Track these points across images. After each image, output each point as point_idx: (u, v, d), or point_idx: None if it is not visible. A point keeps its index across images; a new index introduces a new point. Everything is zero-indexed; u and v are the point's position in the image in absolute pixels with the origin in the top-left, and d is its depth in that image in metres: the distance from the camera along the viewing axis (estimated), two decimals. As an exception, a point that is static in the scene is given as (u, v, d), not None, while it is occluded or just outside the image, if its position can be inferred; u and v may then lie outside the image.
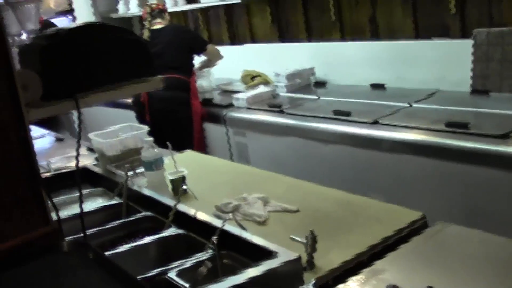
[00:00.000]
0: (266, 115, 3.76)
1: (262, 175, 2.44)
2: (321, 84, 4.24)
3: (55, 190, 2.58)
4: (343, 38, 4.21)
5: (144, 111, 4.26)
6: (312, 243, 1.60)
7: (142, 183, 2.38)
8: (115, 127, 2.76)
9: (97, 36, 1.55)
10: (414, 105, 3.33)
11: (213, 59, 4.50)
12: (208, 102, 4.34)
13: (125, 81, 1.58)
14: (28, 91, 1.41)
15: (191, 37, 4.40)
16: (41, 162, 3.35)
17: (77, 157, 1.49)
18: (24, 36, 2.01)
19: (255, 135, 3.82)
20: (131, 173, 2.39)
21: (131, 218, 2.12)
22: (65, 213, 2.31)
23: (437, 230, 1.72)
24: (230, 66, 5.03)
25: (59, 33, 1.52)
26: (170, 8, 5.35)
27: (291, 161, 3.58)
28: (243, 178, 2.42)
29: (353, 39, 4.13)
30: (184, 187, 2.01)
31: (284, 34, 4.69)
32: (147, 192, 2.23)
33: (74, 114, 6.14)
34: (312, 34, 4.45)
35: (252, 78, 4.55)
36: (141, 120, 4.33)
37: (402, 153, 2.92)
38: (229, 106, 4.13)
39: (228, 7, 5.06)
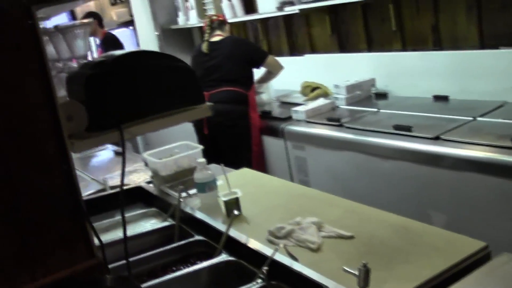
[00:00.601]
0: (325, 129, 3.68)
1: (318, 197, 2.37)
2: (382, 95, 4.14)
3: (109, 209, 2.60)
4: (404, 48, 4.09)
5: (202, 125, 4.26)
6: (365, 276, 1.53)
7: (195, 205, 2.36)
8: (170, 146, 2.75)
9: (143, 64, 1.53)
10: (479, 118, 3.19)
11: (274, 70, 4.47)
12: (267, 114, 4.30)
13: (172, 110, 1.55)
14: (73, 121, 1.40)
15: (250, 49, 4.38)
16: (99, 177, 3.39)
17: (121, 192, 1.46)
18: (74, 63, 2.02)
19: (314, 149, 3.75)
20: (184, 194, 2.37)
21: (182, 242, 2.10)
22: (118, 233, 2.32)
23: (502, 262, 1.61)
24: (290, 77, 4.99)
25: (105, 62, 1.51)
26: (229, 19, 5.35)
27: (350, 176, 3.50)
28: (298, 200, 2.36)
29: (415, 49, 4.01)
30: (235, 212, 1.97)
31: (344, 45, 4.61)
32: (199, 215, 2.20)
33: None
34: (372, 44, 4.35)
35: (311, 90, 4.49)
36: (200, 133, 4.34)
37: (465, 171, 2.79)
38: (288, 119, 4.08)
39: (287, 17, 5.01)
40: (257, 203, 2.38)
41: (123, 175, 1.43)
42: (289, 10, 4.56)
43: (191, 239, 2.10)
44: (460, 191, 2.84)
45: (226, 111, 4.17)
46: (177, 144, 2.75)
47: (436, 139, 3.02)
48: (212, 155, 4.42)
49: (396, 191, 3.21)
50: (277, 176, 4.16)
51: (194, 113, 1.58)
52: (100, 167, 3.95)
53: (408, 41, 4.06)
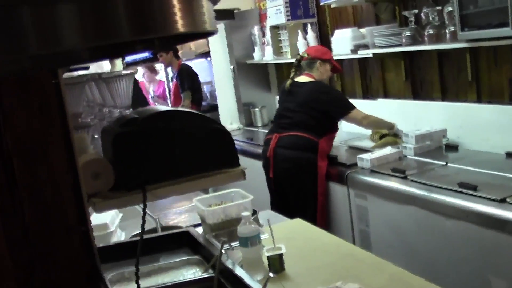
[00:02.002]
0: (389, 180, 3.57)
1: (365, 260, 2.28)
2: (453, 148, 3.98)
3: (155, 252, 2.58)
4: (479, 100, 3.93)
5: (269, 167, 4.21)
6: None
7: (238, 258, 2.31)
8: (222, 192, 2.72)
9: (175, 125, 1.50)
10: (552, 183, 3.00)
11: (357, 125, 4.34)
12: (332, 160, 4.22)
13: (202, 173, 1.52)
14: (99, 180, 1.40)
15: (330, 102, 4.22)
16: (155, 212, 3.41)
17: (137, 258, 1.44)
18: (116, 113, 2.03)
19: (376, 199, 3.64)
20: (226, 246, 2.32)
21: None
22: (158, 280, 2.30)
23: None
24: (361, 120, 4.90)
25: (136, 120, 1.49)
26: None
27: (411, 231, 3.36)
28: (345, 261, 2.28)
29: (490, 101, 3.84)
30: (271, 274, 1.91)
31: (418, 92, 4.48)
32: (238, 269, 2.15)
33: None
34: (447, 93, 4.20)
35: (381, 137, 4.37)
36: (267, 175, 4.30)
37: (531, 240, 2.62)
38: (354, 165, 3.98)
39: (362, 60, 4.93)
40: (302, 260, 2.32)
41: (141, 240, 1.41)
42: (363, 53, 4.49)
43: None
44: (525, 261, 2.67)
45: (293, 157, 4.09)
46: (229, 191, 2.72)
47: (502, 201, 2.85)
48: (276, 198, 4.38)
49: (456, 253, 3.05)
50: (338, 224, 4.12)
51: (225, 177, 1.54)
52: (155, 204, 3.95)
53: (484, 93, 3.90)
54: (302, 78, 4.31)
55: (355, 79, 5.15)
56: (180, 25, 0.78)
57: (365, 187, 3.73)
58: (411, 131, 4.03)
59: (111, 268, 2.38)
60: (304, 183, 4.12)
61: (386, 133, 4.37)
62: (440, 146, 4.04)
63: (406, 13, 4.09)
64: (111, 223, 2.90)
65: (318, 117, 4.16)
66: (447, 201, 3.08)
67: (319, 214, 4.09)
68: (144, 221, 1.43)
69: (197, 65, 7.74)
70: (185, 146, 1.52)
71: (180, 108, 1.58)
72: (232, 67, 6.31)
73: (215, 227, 2.51)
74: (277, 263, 2.25)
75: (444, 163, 3.66)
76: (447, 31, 3.71)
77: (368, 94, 5.02)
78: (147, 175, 1.48)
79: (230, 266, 2.21)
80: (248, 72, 6.21)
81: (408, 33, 4.00)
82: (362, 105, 4.89)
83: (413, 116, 4.37)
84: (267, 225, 2.87)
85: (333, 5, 4.82)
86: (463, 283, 3.02)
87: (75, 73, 2.12)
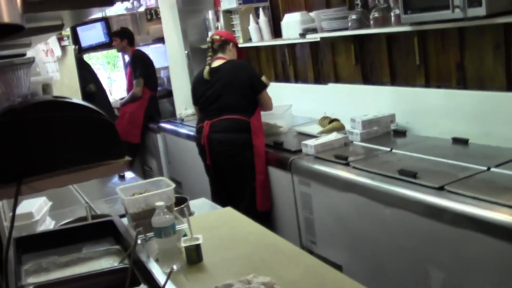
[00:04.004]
0: (331, 167, 3.47)
1: (285, 251, 2.18)
2: (401, 133, 3.88)
3: (79, 242, 2.46)
4: (427, 84, 3.83)
5: (205, 154, 4.14)
6: None
7: (155, 250, 2.19)
8: (147, 181, 2.60)
9: (56, 115, 1.38)
10: (494, 169, 2.91)
11: (263, 107, 4.27)
12: (278, 146, 4.11)
13: (84, 164, 1.39)
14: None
15: (251, 75, 4.23)
16: (94, 200, 3.29)
17: (7, 244, 1.31)
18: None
19: (319, 186, 3.54)
20: (142, 236, 2.20)
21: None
22: (76, 270, 2.18)
23: None
24: (313, 105, 4.82)
25: (14, 110, 1.36)
26: (257, 42, 5.22)
27: (353, 219, 3.27)
28: (264, 252, 2.18)
29: (439, 86, 3.74)
30: (174, 267, 1.79)
31: (368, 76, 4.38)
32: (150, 261, 2.03)
33: (160, 143, 6.15)
34: (396, 77, 4.11)
35: (329, 122, 4.27)
36: (204, 162, 4.24)
37: (466, 229, 2.53)
38: (299, 152, 3.88)
39: (313, 44, 4.81)
40: (222, 251, 2.22)
41: (10, 233, 1.28)
42: (311, 37, 4.38)
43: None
44: (460, 250, 2.58)
45: (228, 140, 4.05)
46: (155, 179, 2.59)
47: (441, 189, 2.76)
48: (216, 185, 4.33)
49: (395, 241, 2.97)
50: (282, 211, 4.02)
51: (108, 169, 1.43)
52: (101, 189, 3.84)
53: (432, 77, 3.80)
54: (217, 63, 4.29)
55: (307, 64, 5.04)
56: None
57: (308, 173, 3.63)
58: (358, 116, 3.92)
59: (33, 258, 2.26)
60: (242, 164, 4.08)
61: (336, 119, 4.27)
62: (388, 132, 3.95)
63: (352, -5, 3.99)
64: (36, 212, 2.77)
65: (244, 95, 4.15)
66: (386, 189, 2.99)
67: (259, 194, 4.01)
68: (14, 216, 1.30)
69: (154, 50, 7.57)
70: (66, 137, 1.41)
71: (63, 99, 1.44)
72: (186, 52, 6.17)
73: (136, 217, 2.39)
74: (193, 254, 2.14)
75: (389, 149, 3.57)
76: (391, 14, 3.61)
77: (320, 78, 4.91)
78: (24, 167, 1.36)
79: (144, 257, 2.10)
80: (202, 57, 6.01)
81: (354, 17, 3.89)
82: (313, 90, 4.82)
83: (363, 101, 4.27)
84: (197, 213, 2.78)
85: (282, -13, 4.70)
86: (402, 272, 2.94)
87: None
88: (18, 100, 1.67)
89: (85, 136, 1.41)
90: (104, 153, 1.43)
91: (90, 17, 7.07)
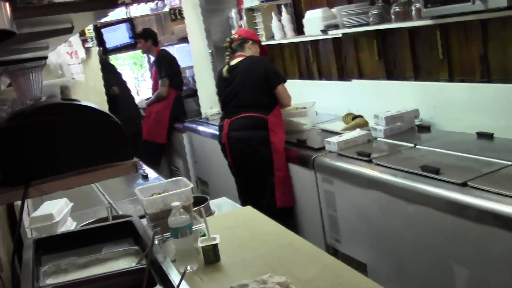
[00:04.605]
0: (354, 164, 3.43)
1: (303, 250, 2.16)
2: (425, 129, 3.83)
3: (99, 242, 2.48)
4: (451, 78, 3.77)
5: (226, 152, 4.17)
6: None
7: (171, 250, 2.20)
8: (166, 181, 2.61)
9: (64, 118, 1.39)
10: (518, 164, 2.86)
11: (281, 101, 4.24)
12: (301, 143, 4.09)
13: (93, 166, 1.40)
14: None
15: (267, 70, 4.20)
16: (117, 200, 3.32)
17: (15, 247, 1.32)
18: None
19: (342, 184, 3.51)
20: (159, 237, 2.21)
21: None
22: (94, 271, 2.19)
23: None
24: (337, 102, 4.79)
25: (22, 114, 1.38)
26: (280, 39, 5.21)
27: (376, 216, 3.24)
28: (282, 251, 2.17)
29: (462, 80, 3.69)
30: (188, 268, 1.79)
31: (391, 71, 4.33)
32: (166, 262, 2.03)
33: (186, 143, 6.17)
34: (419, 72, 4.06)
35: (353, 118, 4.24)
36: (227, 158, 4.29)
37: (489, 225, 2.48)
38: (322, 149, 3.85)
39: (336, 40, 4.78)
40: (240, 250, 2.22)
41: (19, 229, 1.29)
42: (333, 33, 4.35)
43: (151, 288, 1.94)
44: (484, 247, 2.54)
45: (246, 138, 4.09)
46: (174, 179, 2.60)
47: (464, 185, 2.72)
48: (240, 181, 4.35)
49: (418, 238, 2.93)
50: (306, 208, 4.00)
51: (116, 171, 1.43)
52: (125, 189, 3.87)
53: (455, 71, 3.75)
54: (236, 60, 4.30)
55: (330, 60, 5.01)
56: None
57: (331, 171, 3.61)
58: (382, 112, 3.88)
59: (52, 259, 2.28)
60: (259, 161, 4.10)
61: (359, 115, 4.24)
62: (412, 127, 3.90)
63: (373, -10, 3.95)
64: (57, 214, 2.79)
65: (261, 92, 4.15)
66: (409, 185, 2.96)
67: (278, 190, 4.01)
68: (21, 217, 1.31)
69: (179, 49, 7.60)
70: (74, 140, 1.42)
71: (72, 101, 1.45)
72: (210, 51, 6.17)
73: (154, 217, 2.39)
74: (211, 254, 2.14)
75: (413, 145, 3.52)
76: (412, 8, 3.56)
77: (343, 75, 4.87)
78: (32, 170, 1.37)
79: (161, 258, 2.10)
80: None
81: (375, 12, 3.85)
82: (337, 86, 4.79)
83: (387, 97, 4.22)
84: (218, 212, 2.78)
85: (303, -16, 4.68)
86: (426, 268, 2.90)
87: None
88: (30, 103, 1.69)
89: (93, 138, 1.42)
90: (112, 155, 1.44)
91: (112, 19, 7.14)
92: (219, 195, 3.81)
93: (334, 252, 3.73)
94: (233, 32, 5.78)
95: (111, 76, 6.55)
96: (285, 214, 4.09)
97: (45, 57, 2.44)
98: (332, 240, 3.74)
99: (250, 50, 4.35)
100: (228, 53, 4.34)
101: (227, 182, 4.86)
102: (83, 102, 1.47)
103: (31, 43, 1.71)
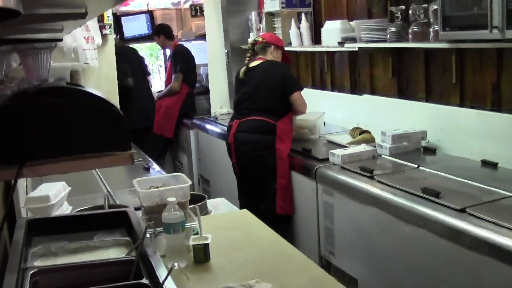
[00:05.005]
0: (356, 179, 3.43)
1: (294, 259, 2.16)
2: (431, 151, 3.82)
3: (92, 229, 2.48)
4: (462, 103, 3.76)
5: (231, 152, 4.18)
6: None
7: (162, 245, 2.20)
8: (165, 175, 2.62)
9: (65, 102, 1.39)
10: (519, 196, 2.84)
11: (297, 108, 4.24)
12: (306, 152, 4.09)
13: (90, 153, 1.40)
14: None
15: (283, 76, 4.19)
16: (116, 188, 3.32)
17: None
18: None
19: (342, 197, 3.51)
20: (151, 230, 2.21)
21: (127, 283, 1.93)
22: (84, 257, 2.19)
23: None
24: (347, 115, 4.79)
25: (24, 94, 1.39)
26: (296, 47, 5.21)
27: (373, 233, 3.23)
28: (273, 258, 2.17)
29: (473, 106, 3.67)
30: (175, 265, 1.79)
31: (403, 90, 4.32)
32: (155, 256, 2.04)
33: (193, 140, 6.18)
34: (431, 94, 4.04)
35: (360, 133, 4.24)
36: (231, 159, 4.30)
37: (484, 255, 2.47)
38: (325, 160, 3.85)
39: (352, 53, 4.78)
40: (231, 253, 2.22)
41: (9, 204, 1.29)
42: (349, 46, 4.35)
43: (136, 281, 1.94)
44: (478, 275, 2.53)
45: (252, 141, 4.11)
46: (173, 175, 2.60)
47: (462, 211, 2.71)
48: (242, 182, 4.36)
49: (412, 259, 2.92)
50: (304, 218, 4.00)
51: (112, 160, 1.44)
52: (127, 179, 3.87)
53: (467, 97, 3.73)
54: (255, 63, 4.31)
55: (344, 73, 5.00)
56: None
57: (332, 183, 3.60)
58: (389, 130, 3.88)
59: (44, 241, 2.29)
60: (264, 165, 4.10)
61: (366, 130, 4.23)
62: (418, 148, 3.89)
63: (393, 8, 3.94)
64: (53, 196, 2.79)
65: (274, 97, 4.15)
66: (408, 206, 2.95)
67: (279, 196, 4.01)
68: (11, 196, 1.31)
69: (197, 46, 7.61)
70: (73, 125, 1.42)
71: (76, 87, 1.45)
72: (226, 51, 6.19)
73: (149, 210, 2.39)
74: (201, 253, 2.15)
75: (417, 166, 3.51)
76: (431, 30, 3.55)
77: (356, 88, 4.87)
78: (28, 151, 1.38)
79: (151, 252, 2.10)
80: (242, 57, 6.01)
81: (393, 29, 3.85)
82: (349, 100, 4.78)
83: (397, 115, 4.22)
84: (215, 212, 2.78)
85: (325, -5, 4.69)
86: (418, 291, 2.90)
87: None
88: (36, 83, 1.70)
89: (92, 125, 1.43)
90: (109, 144, 1.44)
91: (132, 9, 7.15)
92: (219, 195, 3.81)
93: (327, 264, 3.73)
94: (252, 34, 5.82)
95: (128, 67, 6.54)
96: (283, 221, 4.09)
97: (59, 40, 2.45)
98: (326, 252, 3.73)
99: (272, 55, 4.34)
100: (249, 54, 4.35)
101: (229, 183, 4.86)
102: (88, 89, 1.48)
103: (44, 24, 1.72)
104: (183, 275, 1.90)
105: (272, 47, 4.35)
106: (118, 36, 6.92)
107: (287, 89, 4.16)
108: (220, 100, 6.26)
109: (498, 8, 2.84)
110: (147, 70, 7.11)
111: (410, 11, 3.80)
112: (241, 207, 3.68)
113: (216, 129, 5.64)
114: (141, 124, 6.61)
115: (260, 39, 4.39)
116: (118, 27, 7.05)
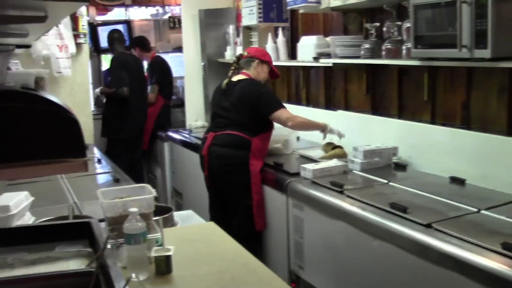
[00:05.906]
0: (326, 193, 3.43)
1: (258, 272, 2.15)
2: (401, 167, 3.85)
3: (53, 241, 2.44)
4: (433, 120, 3.80)
5: (204, 165, 4.15)
6: None
7: (123, 256, 2.18)
8: (129, 186, 2.60)
9: (16, 106, 1.37)
10: (484, 212, 2.87)
11: (284, 126, 4.21)
12: (278, 166, 4.09)
13: (42, 159, 1.38)
14: None
15: (257, 95, 4.14)
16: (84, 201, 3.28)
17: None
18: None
19: (312, 211, 3.51)
20: (113, 241, 2.19)
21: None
22: (42, 269, 2.16)
23: None
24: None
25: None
26: (273, 61, 5.21)
27: (341, 247, 3.24)
28: (237, 271, 2.16)
29: (444, 123, 3.71)
30: (133, 275, 1.77)
31: (377, 107, 4.35)
32: (114, 267, 2.01)
33: (166, 152, 6.15)
34: (403, 111, 4.08)
35: (332, 148, 4.25)
36: (203, 172, 4.27)
37: (449, 270, 2.48)
38: (297, 175, 3.85)
39: (327, 69, 4.80)
40: (194, 265, 2.20)
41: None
42: (324, 62, 4.37)
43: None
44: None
45: (226, 155, 4.07)
46: (137, 186, 2.58)
47: (428, 226, 2.72)
48: (213, 196, 4.33)
49: (380, 274, 2.93)
50: (275, 232, 3.99)
51: (65, 167, 1.41)
52: (93, 189, 3.83)
53: (438, 114, 3.77)
54: (238, 77, 4.28)
55: (319, 88, 5.03)
56: None
57: (302, 197, 3.60)
58: (361, 145, 3.90)
59: (1, 252, 2.24)
60: (237, 181, 4.07)
61: (339, 146, 4.25)
62: (389, 164, 3.91)
63: (367, 25, 3.98)
64: (14, 206, 2.73)
65: (250, 114, 4.11)
66: (376, 221, 2.96)
67: (256, 213, 3.99)
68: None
69: (174, 58, 7.59)
70: (26, 130, 1.39)
71: (31, 91, 1.43)
72: (203, 64, 6.19)
73: (112, 221, 2.36)
74: (163, 265, 2.13)
75: (386, 181, 3.53)
76: (403, 47, 3.59)
77: (330, 104, 4.89)
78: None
79: (111, 263, 2.08)
80: (218, 70, 6.05)
81: (367, 46, 3.88)
82: (323, 115, 4.80)
83: (370, 131, 4.25)
84: (181, 224, 2.76)
85: (301, 11, 4.72)
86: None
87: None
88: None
89: (46, 131, 1.40)
90: (64, 150, 1.42)
91: (110, 19, 7.10)
92: (192, 208, 3.78)
93: (296, 278, 3.72)
94: (229, 47, 5.83)
95: (126, 75, 6.31)
96: (254, 236, 4.07)
97: (28, 46, 2.43)
98: (295, 266, 3.72)
99: (256, 70, 4.28)
100: (233, 68, 4.32)
101: (201, 196, 4.83)
102: (44, 94, 1.46)
103: (4, 27, 1.70)
104: (141, 287, 1.88)
105: (256, 62, 4.29)
106: (93, 45, 6.87)
107: (264, 112, 4.11)
108: (195, 113, 6.25)
109: (467, 28, 2.89)
110: (145, 79, 6.92)
111: (384, 28, 3.84)
112: (210, 220, 3.66)
113: (191, 141, 5.62)
114: (134, 133, 6.51)
115: (245, 53, 4.36)
116: (94, 37, 7.02)
